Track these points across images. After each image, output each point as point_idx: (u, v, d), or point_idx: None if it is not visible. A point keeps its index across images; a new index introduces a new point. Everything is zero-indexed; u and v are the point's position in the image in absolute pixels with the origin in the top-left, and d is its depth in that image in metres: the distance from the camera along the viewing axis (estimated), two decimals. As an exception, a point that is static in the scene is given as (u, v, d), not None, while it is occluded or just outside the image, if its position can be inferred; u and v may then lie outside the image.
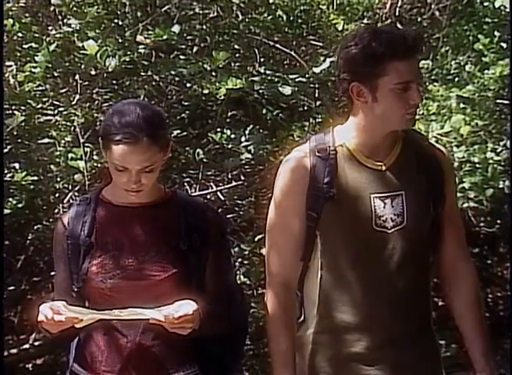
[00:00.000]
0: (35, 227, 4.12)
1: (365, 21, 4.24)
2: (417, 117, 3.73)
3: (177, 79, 4.03)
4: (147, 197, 2.29)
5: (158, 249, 2.27)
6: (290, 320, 2.38)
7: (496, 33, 3.87)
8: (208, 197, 4.43)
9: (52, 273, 2.51)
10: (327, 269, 2.34)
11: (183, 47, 4.12)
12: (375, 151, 2.30)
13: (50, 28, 3.76)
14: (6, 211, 3.53)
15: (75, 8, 3.61)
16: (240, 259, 4.46)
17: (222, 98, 3.66)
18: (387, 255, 2.29)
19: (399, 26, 3.91)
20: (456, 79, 3.98)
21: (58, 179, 3.68)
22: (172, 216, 2.30)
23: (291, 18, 4.24)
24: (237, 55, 4.25)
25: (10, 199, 3.60)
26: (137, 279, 2.25)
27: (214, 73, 3.73)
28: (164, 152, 2.23)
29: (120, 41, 3.67)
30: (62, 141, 3.59)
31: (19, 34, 3.69)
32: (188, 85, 3.94)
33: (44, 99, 3.75)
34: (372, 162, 2.30)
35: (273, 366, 2.39)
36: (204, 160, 4.07)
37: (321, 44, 4.33)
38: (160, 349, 2.27)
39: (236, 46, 4.26)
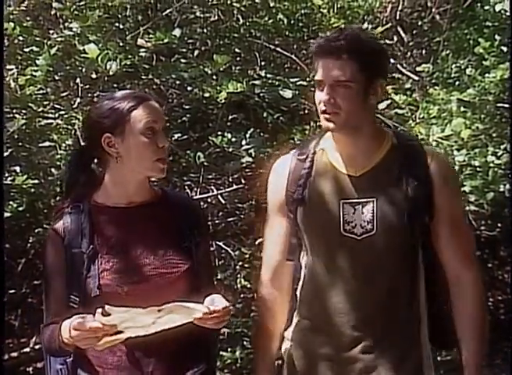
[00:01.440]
0: (36, 231, 4.12)
1: (366, 25, 4.25)
2: (418, 121, 3.76)
3: (178, 82, 4.03)
4: (141, 197, 2.31)
5: (166, 247, 2.28)
6: (272, 323, 2.44)
7: (497, 36, 3.87)
8: (209, 200, 4.43)
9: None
10: (307, 270, 2.38)
11: (184, 50, 4.12)
12: (353, 157, 2.31)
13: (51, 32, 3.76)
14: (7, 214, 3.52)
15: (76, 12, 3.61)
16: (240, 263, 4.46)
17: (223, 101, 3.66)
18: (357, 261, 2.29)
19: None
20: (457, 82, 3.98)
21: (59, 182, 3.67)
22: (170, 214, 2.32)
23: (292, 21, 4.24)
24: (238, 58, 4.25)
25: (11, 202, 3.59)
26: (153, 279, 2.25)
27: (215, 77, 3.74)
28: None
29: (121, 44, 3.68)
30: (63, 145, 3.59)
31: (20, 38, 3.69)
32: (189, 88, 3.95)
33: (45, 103, 3.75)
34: (347, 168, 2.31)
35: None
36: (205, 163, 4.07)
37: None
38: (166, 353, 2.27)
39: (236, 50, 4.26)
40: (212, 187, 4.31)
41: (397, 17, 4.52)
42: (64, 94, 3.92)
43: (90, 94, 3.90)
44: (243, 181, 4.36)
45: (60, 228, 2.30)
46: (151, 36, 3.64)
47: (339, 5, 4.12)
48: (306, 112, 4.31)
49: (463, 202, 2.47)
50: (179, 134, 4.24)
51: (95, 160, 2.35)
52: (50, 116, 3.76)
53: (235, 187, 4.33)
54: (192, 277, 2.28)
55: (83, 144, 2.43)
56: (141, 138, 2.24)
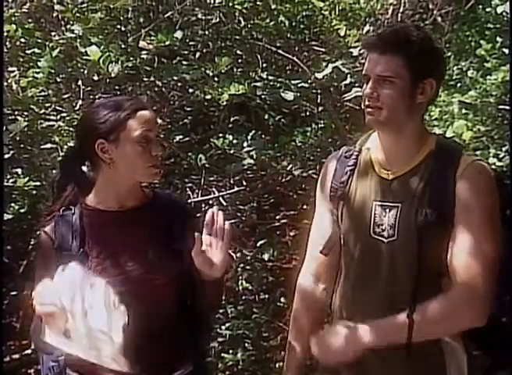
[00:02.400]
0: (37, 232, 4.12)
1: (367, 27, 4.25)
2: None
3: (179, 84, 4.03)
4: (132, 201, 2.32)
5: (156, 252, 2.28)
6: (307, 314, 2.45)
7: (498, 38, 3.87)
8: (210, 202, 4.43)
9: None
10: (342, 270, 2.40)
11: (186, 52, 4.13)
12: (392, 159, 2.29)
13: (53, 34, 3.76)
14: (8, 216, 3.53)
15: (78, 14, 3.62)
16: (241, 265, 4.46)
17: (225, 103, 3.66)
18: (382, 265, 2.28)
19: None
20: (459, 84, 3.98)
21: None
22: (160, 217, 2.33)
23: (293, 23, 4.25)
24: (239, 60, 4.26)
25: (12, 204, 3.60)
26: (142, 283, 2.26)
27: (216, 79, 3.74)
28: None
29: (123, 46, 3.68)
30: (65, 147, 3.59)
31: (22, 40, 3.69)
32: (190, 91, 3.95)
33: (47, 105, 3.75)
34: (384, 170, 2.30)
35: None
36: (207, 165, 4.07)
37: (323, 49, 4.34)
38: (156, 352, 2.27)
39: (238, 52, 4.26)
40: (214, 189, 4.31)
41: (399, 19, 4.52)
42: (66, 96, 3.92)
43: (91, 97, 3.91)
44: (244, 183, 4.37)
45: (51, 231, 2.31)
46: (152, 38, 3.65)
47: (340, 8, 4.12)
48: (307, 114, 4.32)
49: (491, 219, 2.20)
50: (181, 136, 4.25)
51: (87, 164, 2.36)
52: (52, 118, 3.76)
53: (236, 189, 4.34)
54: (183, 281, 2.28)
55: (75, 147, 2.43)
56: (135, 146, 2.25)
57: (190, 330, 2.33)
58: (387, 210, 2.27)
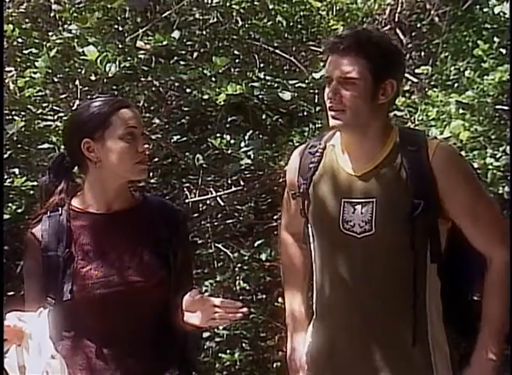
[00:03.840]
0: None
1: (364, 26, 4.25)
2: (417, 123, 3.76)
3: (177, 84, 4.03)
4: (120, 204, 2.31)
5: (142, 255, 2.28)
6: (296, 266, 2.52)
7: (496, 39, 3.87)
8: (208, 202, 4.43)
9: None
10: (316, 264, 2.42)
11: (183, 52, 4.13)
12: (357, 157, 2.31)
13: (50, 34, 3.76)
14: (6, 216, 3.52)
15: (75, 14, 3.61)
16: (239, 265, 4.46)
17: (222, 103, 3.66)
18: (356, 260, 2.29)
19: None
20: (456, 84, 3.98)
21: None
22: (149, 221, 2.31)
23: (291, 23, 4.25)
24: (237, 60, 4.25)
25: (10, 204, 3.59)
26: (126, 287, 2.25)
27: (214, 79, 3.73)
28: None
29: (120, 46, 3.68)
30: (62, 147, 3.59)
31: (20, 40, 3.70)
32: (188, 91, 3.95)
33: (44, 104, 3.75)
34: (350, 167, 2.31)
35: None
36: (204, 165, 4.07)
37: (320, 49, 4.33)
38: (140, 358, 2.26)
39: (235, 52, 4.26)
40: (211, 189, 4.31)
41: (396, 19, 4.52)
42: (63, 96, 3.92)
43: (89, 96, 3.91)
44: (242, 183, 4.36)
45: (38, 232, 2.31)
46: (150, 38, 3.65)
47: (337, 8, 4.13)
48: (305, 114, 4.32)
49: (478, 185, 2.33)
50: (178, 136, 4.25)
51: (75, 167, 2.37)
52: (49, 117, 3.76)
53: (234, 189, 4.34)
54: (168, 286, 2.27)
55: (62, 150, 2.44)
56: (121, 143, 2.25)
57: (172, 335, 2.29)
58: (358, 206, 2.27)
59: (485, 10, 4.06)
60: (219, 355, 4.27)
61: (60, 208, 2.32)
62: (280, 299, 4.49)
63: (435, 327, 2.33)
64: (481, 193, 2.32)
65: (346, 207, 2.29)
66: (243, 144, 3.76)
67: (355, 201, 2.28)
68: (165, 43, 3.58)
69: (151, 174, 4.31)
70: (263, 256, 4.30)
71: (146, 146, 2.28)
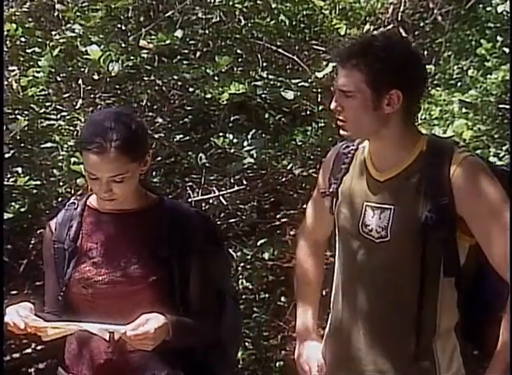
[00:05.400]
0: (38, 232, 4.12)
1: (367, 26, 4.25)
2: (420, 122, 3.76)
3: (180, 83, 4.03)
4: (131, 204, 2.31)
5: (140, 256, 2.28)
6: (307, 267, 2.55)
7: (499, 38, 3.88)
8: (211, 201, 4.43)
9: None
10: (337, 264, 2.42)
11: (186, 52, 4.13)
12: (381, 162, 2.29)
13: (53, 33, 3.76)
14: (9, 215, 3.53)
15: (78, 13, 3.62)
16: (242, 264, 4.46)
17: (225, 102, 3.66)
18: (373, 264, 2.28)
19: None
20: (459, 84, 3.98)
21: (61, 183, 3.68)
22: (155, 223, 2.30)
23: (294, 23, 4.25)
24: (240, 59, 4.25)
25: (13, 203, 3.60)
26: (118, 286, 2.26)
27: (216, 78, 3.73)
28: (139, 162, 2.24)
29: (123, 45, 3.68)
30: (65, 146, 3.59)
31: (23, 39, 3.70)
32: (191, 90, 3.95)
33: (47, 104, 3.75)
34: (375, 171, 2.30)
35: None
36: (207, 165, 4.07)
37: (323, 48, 4.34)
38: (142, 354, 2.27)
39: (238, 51, 4.26)
40: (214, 189, 4.31)
41: (399, 18, 4.52)
42: (66, 95, 3.92)
43: (92, 96, 3.91)
44: (244, 182, 4.36)
45: (53, 224, 2.37)
46: (152, 37, 3.65)
47: (340, 7, 4.13)
48: (308, 113, 4.32)
49: (500, 206, 2.18)
50: (181, 135, 4.24)
51: None
52: (52, 117, 3.76)
53: (237, 188, 4.33)
54: (162, 290, 2.26)
55: None
56: (87, 174, 2.24)
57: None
58: (377, 211, 2.27)
59: (488, 9, 4.06)
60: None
61: (76, 201, 2.37)
62: (283, 298, 4.50)
63: (445, 340, 2.30)
64: (503, 215, 2.19)
65: (367, 210, 2.28)
66: (245, 144, 3.76)
67: (375, 205, 2.27)
68: (167, 42, 3.58)
69: (153, 173, 4.32)
70: (266, 255, 4.30)
71: (109, 194, 2.22)
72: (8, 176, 3.54)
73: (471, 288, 2.32)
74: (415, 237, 2.21)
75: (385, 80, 2.18)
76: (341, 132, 2.27)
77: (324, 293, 2.62)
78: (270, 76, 3.96)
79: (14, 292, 4.36)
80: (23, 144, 3.74)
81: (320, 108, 4.13)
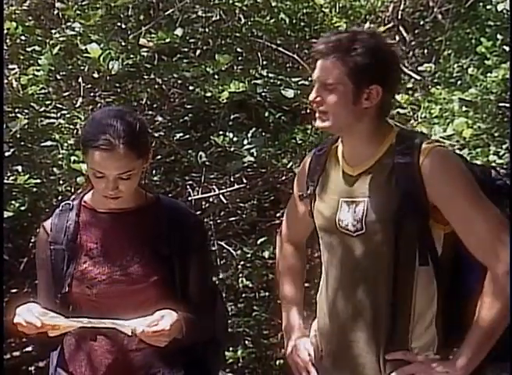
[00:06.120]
0: (38, 230, 4.12)
1: (368, 24, 4.25)
2: (420, 120, 3.76)
3: (180, 82, 4.03)
4: (129, 203, 2.31)
5: (142, 255, 2.28)
6: (289, 267, 2.61)
7: (499, 36, 3.87)
8: (211, 200, 4.43)
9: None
10: (323, 265, 2.45)
11: (186, 50, 4.13)
12: (352, 157, 2.34)
13: (53, 31, 3.76)
14: (9, 213, 3.53)
15: (78, 12, 3.61)
16: (242, 262, 4.47)
17: (225, 101, 3.66)
18: (354, 256, 2.31)
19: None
20: (459, 82, 3.98)
21: (61, 182, 3.68)
22: (154, 222, 2.31)
23: (294, 21, 4.25)
24: (240, 58, 4.25)
25: (13, 202, 3.60)
26: (122, 285, 2.27)
27: (216, 76, 3.74)
28: (143, 159, 2.25)
29: (123, 44, 3.68)
30: (65, 144, 3.59)
31: (23, 37, 3.69)
32: (191, 88, 3.95)
33: (47, 102, 3.75)
34: (348, 167, 2.34)
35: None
36: (207, 163, 4.07)
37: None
38: (145, 353, 2.28)
39: (238, 49, 4.26)
40: (214, 187, 4.31)
41: (399, 17, 4.53)
42: (66, 93, 3.92)
43: (92, 94, 3.91)
44: (244, 181, 4.37)
45: (48, 225, 2.36)
46: (152, 35, 3.65)
47: (340, 5, 4.13)
48: (308, 111, 4.31)
49: (473, 191, 2.22)
50: (181, 134, 4.25)
51: None
52: (52, 115, 3.76)
53: (236, 186, 4.34)
54: (165, 288, 2.28)
55: None
56: (92, 173, 2.23)
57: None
58: (352, 206, 2.30)
59: (488, 7, 4.06)
60: (222, 352, 4.27)
61: (71, 203, 2.36)
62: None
63: (422, 329, 2.30)
64: (476, 199, 2.23)
65: (342, 206, 2.33)
66: (245, 142, 3.76)
67: (350, 200, 2.32)
68: (167, 40, 3.58)
69: (153, 172, 4.32)
70: (266, 254, 4.31)
71: (116, 191, 2.22)
72: (9, 174, 3.54)
73: (451, 280, 2.32)
74: (389, 226, 2.24)
75: (367, 75, 2.22)
76: (317, 123, 2.29)
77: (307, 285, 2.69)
78: (270, 75, 3.96)
79: (14, 290, 4.37)
80: (23, 143, 3.74)
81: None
